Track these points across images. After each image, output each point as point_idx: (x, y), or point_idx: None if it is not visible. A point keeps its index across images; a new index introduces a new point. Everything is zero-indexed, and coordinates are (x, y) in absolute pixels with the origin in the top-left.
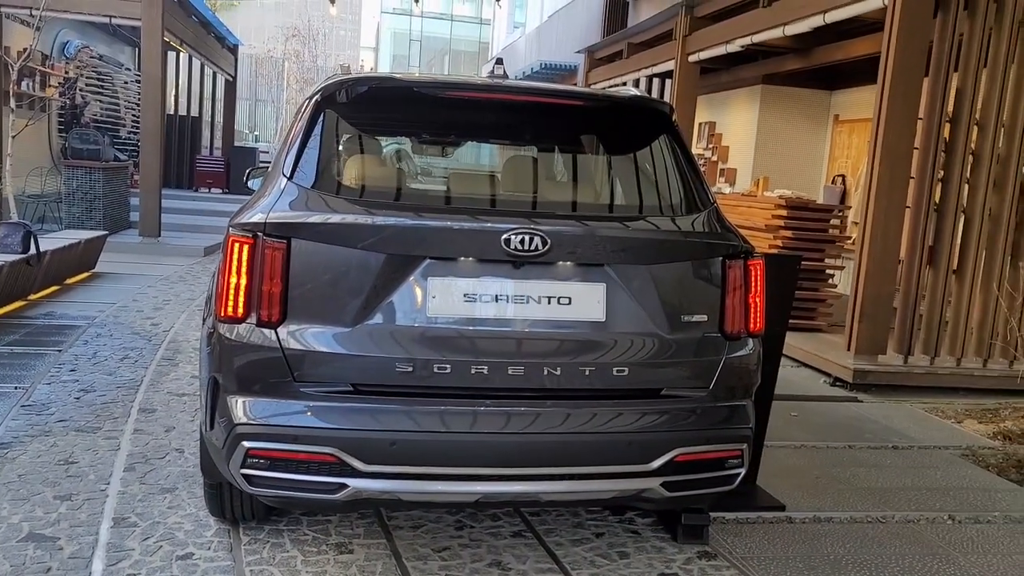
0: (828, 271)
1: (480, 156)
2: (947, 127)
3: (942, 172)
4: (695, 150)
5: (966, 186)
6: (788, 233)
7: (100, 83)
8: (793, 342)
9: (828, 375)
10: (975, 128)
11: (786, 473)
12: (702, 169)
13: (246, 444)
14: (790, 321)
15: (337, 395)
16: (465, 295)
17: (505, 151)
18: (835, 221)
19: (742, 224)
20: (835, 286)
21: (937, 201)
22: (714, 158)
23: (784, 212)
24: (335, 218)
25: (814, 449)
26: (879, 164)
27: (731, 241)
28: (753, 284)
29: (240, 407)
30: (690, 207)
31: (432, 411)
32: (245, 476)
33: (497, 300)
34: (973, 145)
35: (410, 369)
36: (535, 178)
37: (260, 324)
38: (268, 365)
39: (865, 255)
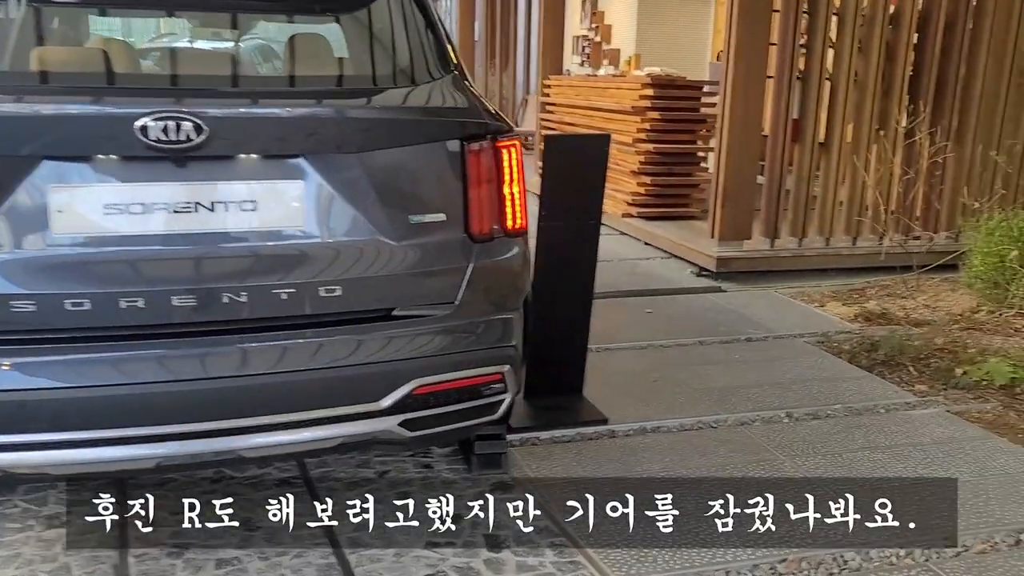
0: (700, 153)
1: (137, 24)
2: None
3: (804, 36)
4: (578, 31)
5: (830, 51)
6: (656, 115)
7: None
8: (662, 232)
9: (696, 265)
10: None
11: (622, 379)
12: (584, 48)
13: None
14: (661, 210)
15: None
16: (106, 206)
17: (174, 19)
18: (714, 100)
19: (610, 108)
20: (707, 169)
21: (801, 69)
22: (597, 38)
23: (651, 92)
24: None
25: (660, 349)
26: (736, 29)
27: (473, 117)
28: (508, 172)
29: None
30: (418, 77)
31: (73, 360)
32: None
33: (152, 210)
34: (836, 4)
35: (34, 308)
36: (210, 51)
37: None
38: None
39: (725, 131)
